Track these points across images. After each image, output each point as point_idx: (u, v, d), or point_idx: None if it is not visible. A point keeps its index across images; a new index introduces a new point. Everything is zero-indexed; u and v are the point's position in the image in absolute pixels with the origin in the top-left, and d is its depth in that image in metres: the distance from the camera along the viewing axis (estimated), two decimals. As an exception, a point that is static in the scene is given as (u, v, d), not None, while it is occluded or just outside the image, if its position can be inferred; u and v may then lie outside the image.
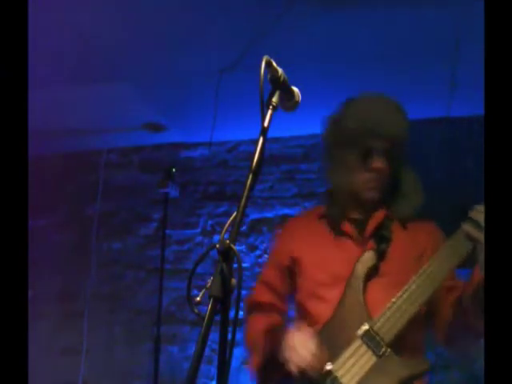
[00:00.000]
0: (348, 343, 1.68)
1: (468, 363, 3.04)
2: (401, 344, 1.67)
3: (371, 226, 1.84)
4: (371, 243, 1.81)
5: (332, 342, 1.70)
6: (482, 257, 1.54)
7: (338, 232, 1.87)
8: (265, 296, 1.95)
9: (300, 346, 1.66)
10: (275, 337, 1.77)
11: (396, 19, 2.70)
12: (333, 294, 1.76)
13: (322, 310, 1.77)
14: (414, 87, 3.12)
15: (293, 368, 1.64)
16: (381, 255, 1.77)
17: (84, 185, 4.16)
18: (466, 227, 1.61)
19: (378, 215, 1.85)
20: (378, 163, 1.78)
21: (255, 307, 1.96)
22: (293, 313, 1.97)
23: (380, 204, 1.87)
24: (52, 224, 4.10)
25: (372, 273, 1.76)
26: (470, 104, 2.90)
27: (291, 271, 1.92)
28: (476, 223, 1.58)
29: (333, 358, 1.67)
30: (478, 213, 1.58)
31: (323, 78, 3.10)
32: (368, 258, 1.77)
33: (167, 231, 3.56)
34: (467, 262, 1.65)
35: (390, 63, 3.02)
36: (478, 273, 1.57)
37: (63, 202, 4.15)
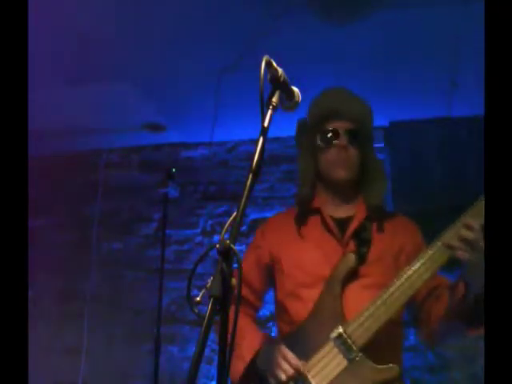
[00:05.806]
0: (321, 345, 1.69)
1: (467, 363, 3.04)
2: (374, 348, 1.66)
3: (352, 226, 1.85)
4: (352, 244, 1.82)
5: (306, 343, 1.72)
6: (464, 263, 1.58)
7: (322, 230, 1.87)
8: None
9: (282, 361, 1.67)
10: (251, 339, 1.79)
11: (396, 19, 2.70)
12: (311, 294, 1.78)
13: (300, 309, 1.79)
14: (414, 87, 3.13)
15: (274, 380, 1.67)
16: (361, 258, 1.79)
17: (84, 185, 4.16)
18: (447, 237, 1.61)
19: (359, 216, 1.87)
20: (342, 140, 1.85)
21: None
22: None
23: (352, 189, 1.92)
24: (52, 224, 4.10)
25: (351, 275, 1.77)
26: (470, 104, 2.90)
27: (271, 269, 1.93)
28: (457, 233, 1.58)
29: (306, 359, 1.69)
30: (461, 225, 1.58)
31: (323, 78, 3.10)
32: (349, 259, 1.78)
33: (167, 231, 3.56)
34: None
35: (390, 63, 3.02)
36: (460, 284, 1.62)
37: (63, 201, 4.15)
